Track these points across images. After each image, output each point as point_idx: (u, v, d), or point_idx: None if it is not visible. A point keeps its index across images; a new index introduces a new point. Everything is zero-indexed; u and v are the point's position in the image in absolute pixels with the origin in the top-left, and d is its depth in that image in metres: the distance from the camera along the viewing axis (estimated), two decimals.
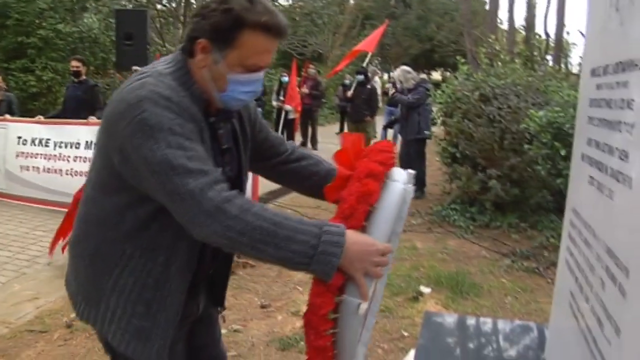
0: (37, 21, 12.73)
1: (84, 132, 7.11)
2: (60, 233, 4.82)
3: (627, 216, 1.26)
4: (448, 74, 8.89)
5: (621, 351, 1.22)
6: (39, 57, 12.71)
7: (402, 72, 8.67)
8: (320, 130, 14.58)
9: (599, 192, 1.55)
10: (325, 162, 1.98)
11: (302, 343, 3.80)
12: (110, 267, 1.62)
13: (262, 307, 4.48)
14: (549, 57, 18.11)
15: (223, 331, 3.93)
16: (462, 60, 7.79)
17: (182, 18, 15.71)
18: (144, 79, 1.53)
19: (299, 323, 4.11)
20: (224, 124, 1.77)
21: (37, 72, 12.56)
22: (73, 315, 3.69)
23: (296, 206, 7.69)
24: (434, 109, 8.25)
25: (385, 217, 1.53)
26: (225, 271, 2.01)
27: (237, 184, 1.84)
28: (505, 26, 23.09)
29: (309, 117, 13.66)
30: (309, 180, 1.97)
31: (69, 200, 4.89)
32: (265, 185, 6.59)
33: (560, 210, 6.82)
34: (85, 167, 6.53)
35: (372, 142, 12.13)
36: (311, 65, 13.76)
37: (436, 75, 28.18)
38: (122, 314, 1.63)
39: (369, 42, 11.17)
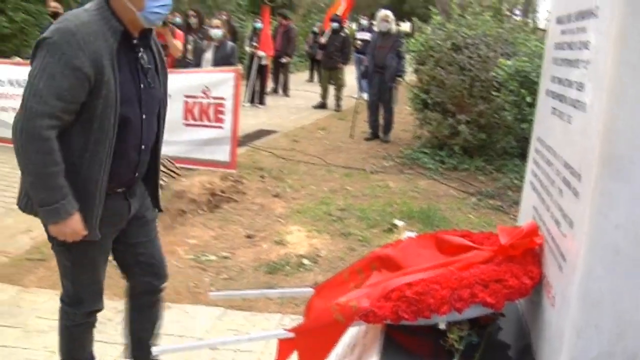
0: None
1: None
2: None
3: (581, 134, 1.58)
4: (420, 23, 9.07)
5: (574, 238, 1.56)
6: None
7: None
8: (290, 78, 14.61)
9: (559, 119, 1.87)
10: None
11: (288, 267, 4.14)
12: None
13: (248, 237, 4.77)
14: (517, 12, 18.37)
15: (212, 257, 4.23)
16: (436, 11, 8.03)
17: None
18: (65, 17, 2.01)
19: (282, 251, 4.44)
20: (144, 48, 2.22)
21: (8, 13, 12.31)
22: None
23: (272, 148, 7.98)
24: (407, 57, 8.47)
25: None
26: (152, 177, 2.47)
27: (164, 102, 2.36)
28: None
29: (280, 64, 13.67)
30: None
31: None
32: (242, 129, 6.84)
33: (523, 156, 7.22)
34: None
35: (343, 89, 12.03)
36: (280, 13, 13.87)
37: (405, 27, 28.14)
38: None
39: None
